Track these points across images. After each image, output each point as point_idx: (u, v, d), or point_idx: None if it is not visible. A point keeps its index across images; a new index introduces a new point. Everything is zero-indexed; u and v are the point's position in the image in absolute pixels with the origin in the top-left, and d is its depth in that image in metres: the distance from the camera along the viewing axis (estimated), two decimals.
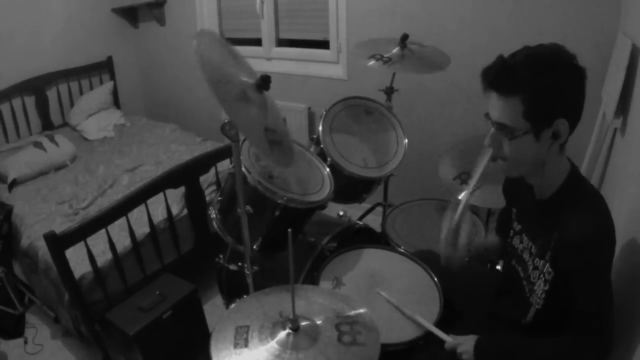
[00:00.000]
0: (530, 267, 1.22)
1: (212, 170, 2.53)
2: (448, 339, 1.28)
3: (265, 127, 1.25)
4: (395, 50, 2.02)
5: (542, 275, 1.16)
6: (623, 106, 1.63)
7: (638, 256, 1.22)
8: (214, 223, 1.64)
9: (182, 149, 3.22)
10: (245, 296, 1.35)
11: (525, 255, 1.25)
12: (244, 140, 1.58)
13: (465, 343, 1.23)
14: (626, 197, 1.43)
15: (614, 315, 1.10)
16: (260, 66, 3.48)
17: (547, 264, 1.13)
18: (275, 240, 1.62)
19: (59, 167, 3.10)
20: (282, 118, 1.45)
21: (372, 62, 1.99)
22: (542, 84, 1.01)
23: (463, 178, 1.99)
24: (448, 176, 2.01)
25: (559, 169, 1.14)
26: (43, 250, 2.13)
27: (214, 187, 2.62)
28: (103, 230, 1.99)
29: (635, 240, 1.26)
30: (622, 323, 1.19)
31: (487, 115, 1.12)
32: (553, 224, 1.12)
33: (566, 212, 1.09)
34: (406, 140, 2.01)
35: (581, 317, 1.09)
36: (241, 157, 1.42)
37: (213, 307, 2.45)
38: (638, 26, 1.68)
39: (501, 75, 1.05)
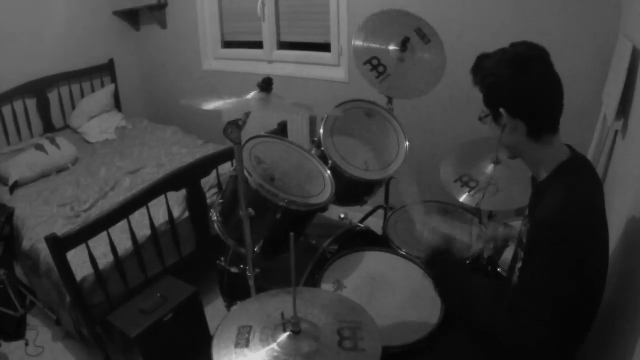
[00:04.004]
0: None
1: (213, 173, 2.53)
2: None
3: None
4: (394, 52, 2.02)
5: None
6: (623, 108, 1.63)
7: (637, 257, 1.22)
8: (215, 225, 1.64)
9: (183, 152, 3.23)
10: (250, 298, 1.35)
11: (523, 238, 1.28)
12: (245, 143, 1.58)
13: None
14: (626, 198, 1.43)
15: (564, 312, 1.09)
16: (261, 69, 3.49)
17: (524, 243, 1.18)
18: (277, 243, 1.62)
19: (60, 170, 3.11)
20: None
21: (366, 66, 2.00)
22: (483, 74, 1.19)
23: (464, 180, 1.99)
24: (449, 178, 2.01)
25: (540, 157, 1.19)
26: (44, 252, 2.14)
27: (215, 190, 2.62)
28: (104, 233, 1.99)
29: (635, 241, 1.26)
30: (621, 323, 1.19)
31: None
32: (536, 206, 1.18)
33: (544, 197, 1.14)
34: (407, 143, 2.01)
35: (517, 292, 1.12)
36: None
37: (214, 310, 2.45)
38: (639, 28, 1.68)
39: (472, 69, 1.25)
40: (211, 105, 1.26)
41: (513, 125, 1.16)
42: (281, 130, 2.76)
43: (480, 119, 1.27)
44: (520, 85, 1.12)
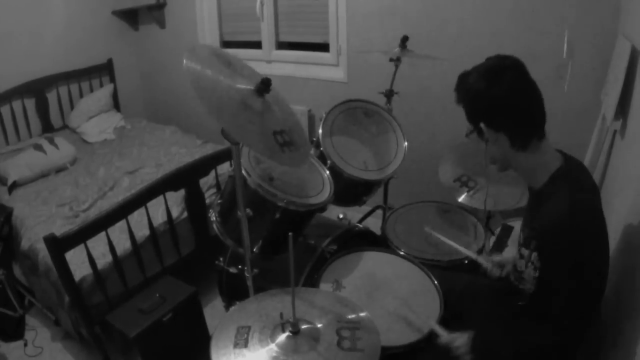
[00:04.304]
0: (518, 256, 1.28)
1: (212, 173, 2.53)
2: (444, 335, 1.31)
3: (274, 130, 1.25)
4: (395, 51, 2.03)
5: (529, 264, 1.22)
6: (622, 108, 1.63)
7: (637, 257, 1.22)
8: (214, 226, 1.64)
9: (182, 152, 3.22)
10: (248, 298, 1.35)
11: (521, 246, 1.31)
12: None
13: (460, 338, 1.26)
14: (626, 198, 1.43)
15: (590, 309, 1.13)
16: (261, 69, 3.44)
17: (534, 253, 1.19)
18: (276, 243, 1.62)
19: (59, 170, 3.10)
20: (293, 113, 1.45)
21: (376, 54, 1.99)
22: (462, 91, 1.21)
23: (463, 180, 1.99)
24: (448, 178, 2.01)
25: (531, 165, 1.20)
26: (43, 252, 2.13)
27: (214, 190, 2.62)
28: (103, 233, 1.98)
29: (634, 241, 1.26)
30: (622, 322, 1.19)
31: None
32: (535, 214, 1.20)
33: (547, 203, 1.15)
34: (406, 143, 2.01)
35: (546, 303, 1.13)
36: (241, 160, 1.42)
37: (213, 310, 2.45)
38: (638, 28, 1.68)
39: (455, 88, 1.25)
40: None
41: (495, 138, 1.18)
42: None
43: (466, 135, 1.28)
44: (494, 97, 1.14)
